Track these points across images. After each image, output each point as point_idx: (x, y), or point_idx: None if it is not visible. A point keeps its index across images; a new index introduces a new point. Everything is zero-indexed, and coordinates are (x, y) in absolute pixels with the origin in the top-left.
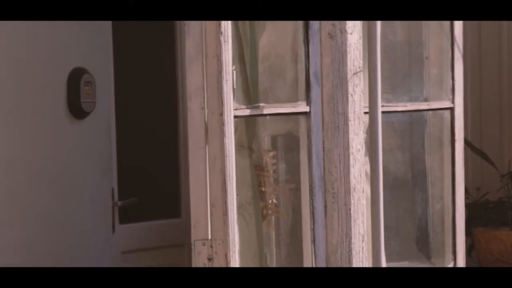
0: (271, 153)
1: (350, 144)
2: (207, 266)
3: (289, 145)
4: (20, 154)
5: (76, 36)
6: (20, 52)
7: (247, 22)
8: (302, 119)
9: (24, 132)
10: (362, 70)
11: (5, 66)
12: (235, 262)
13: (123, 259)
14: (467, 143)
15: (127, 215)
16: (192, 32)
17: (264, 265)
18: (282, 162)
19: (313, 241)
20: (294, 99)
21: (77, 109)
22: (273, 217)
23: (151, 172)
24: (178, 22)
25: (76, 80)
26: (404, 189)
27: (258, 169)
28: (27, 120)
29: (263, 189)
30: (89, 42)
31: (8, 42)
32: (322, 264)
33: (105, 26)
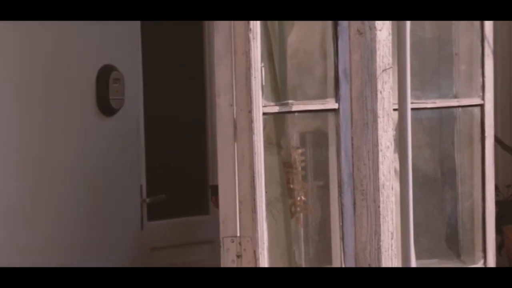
0: (300, 150)
1: (379, 141)
2: (235, 263)
3: (317, 142)
4: (50, 151)
5: (105, 34)
6: (50, 50)
7: None
8: (330, 116)
9: (54, 129)
10: (391, 67)
11: (35, 64)
12: (264, 259)
13: (151, 256)
14: (497, 140)
15: (155, 212)
16: (221, 29)
17: (292, 262)
18: (311, 159)
19: (342, 238)
20: (322, 96)
21: (106, 106)
22: (301, 214)
23: (179, 169)
24: None
25: (105, 77)
26: (434, 186)
27: (286, 166)
28: (57, 117)
29: (291, 186)
30: (118, 40)
31: (38, 40)
32: (351, 261)
33: (134, 24)
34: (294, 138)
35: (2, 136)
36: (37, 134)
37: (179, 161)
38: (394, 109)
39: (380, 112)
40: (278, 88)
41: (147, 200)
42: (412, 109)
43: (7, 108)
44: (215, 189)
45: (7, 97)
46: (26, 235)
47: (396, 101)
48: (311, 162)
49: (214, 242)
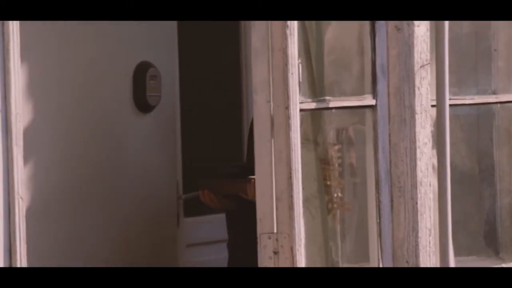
0: (336, 147)
1: (416, 138)
2: (272, 259)
3: (355, 138)
4: (87, 148)
5: (142, 31)
6: (87, 47)
7: None
8: (368, 112)
9: (91, 126)
10: (429, 63)
11: (73, 61)
12: (301, 255)
13: (188, 253)
14: None
15: (191, 208)
16: (258, 26)
17: (329, 259)
18: (348, 155)
19: (379, 235)
20: (360, 92)
21: (142, 103)
22: (338, 211)
23: (216, 166)
24: None
25: (142, 74)
26: (472, 183)
27: (323, 162)
28: (95, 114)
29: (328, 183)
30: (154, 37)
31: (75, 38)
32: (388, 258)
33: (170, 21)
34: (330, 135)
35: (42, 133)
36: (76, 131)
37: (215, 157)
38: (432, 106)
39: (417, 108)
40: (315, 85)
41: (183, 196)
42: (450, 105)
43: (47, 106)
44: (203, 183)
45: (46, 95)
46: (65, 231)
47: (433, 97)
48: (347, 158)
49: None
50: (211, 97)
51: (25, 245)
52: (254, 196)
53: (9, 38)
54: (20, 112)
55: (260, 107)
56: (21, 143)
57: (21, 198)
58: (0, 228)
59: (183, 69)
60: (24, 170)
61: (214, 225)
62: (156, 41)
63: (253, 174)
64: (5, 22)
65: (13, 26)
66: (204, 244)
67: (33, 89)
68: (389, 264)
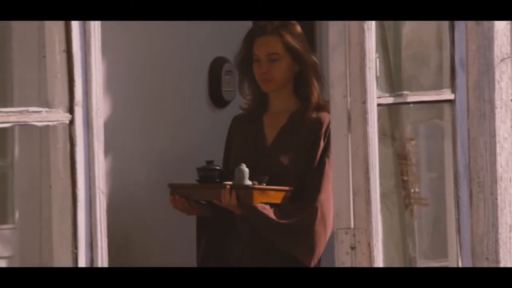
0: (413, 142)
1: (496, 132)
2: (350, 254)
3: (432, 133)
4: (163, 143)
5: (217, 26)
6: (164, 43)
7: None
8: (446, 107)
9: (168, 121)
10: (510, 57)
11: (149, 57)
12: (378, 251)
13: None
14: None
15: None
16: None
17: (406, 255)
18: (425, 150)
19: (458, 231)
20: (438, 87)
21: (218, 98)
22: (415, 207)
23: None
24: None
25: (218, 69)
26: None
27: (400, 157)
28: (171, 110)
29: (405, 178)
30: (230, 32)
31: (152, 33)
32: (467, 254)
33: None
34: (408, 130)
35: (121, 128)
36: (153, 126)
37: None
38: None
39: (497, 102)
40: (392, 79)
41: None
42: None
43: (125, 101)
44: (174, 188)
45: (124, 91)
46: (143, 226)
47: None
48: (425, 153)
49: None
50: None
51: (106, 239)
52: (228, 203)
53: (90, 33)
54: (101, 108)
55: (336, 102)
56: (102, 138)
57: (102, 192)
58: (82, 222)
59: None
60: (104, 164)
61: None
62: (231, 36)
63: (231, 180)
64: None
65: (94, 21)
66: None
67: (112, 84)
68: (468, 260)
